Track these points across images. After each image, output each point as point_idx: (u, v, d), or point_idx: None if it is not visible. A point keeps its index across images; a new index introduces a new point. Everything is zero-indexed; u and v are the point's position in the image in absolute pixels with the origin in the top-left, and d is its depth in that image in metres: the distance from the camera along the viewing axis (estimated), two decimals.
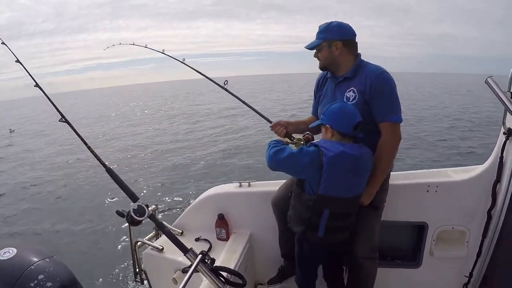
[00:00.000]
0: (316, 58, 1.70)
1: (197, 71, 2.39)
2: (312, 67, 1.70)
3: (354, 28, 1.63)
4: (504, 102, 1.54)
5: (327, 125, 1.51)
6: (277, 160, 1.47)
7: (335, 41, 1.60)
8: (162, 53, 2.53)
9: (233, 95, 2.19)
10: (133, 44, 2.75)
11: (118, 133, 14.98)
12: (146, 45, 2.62)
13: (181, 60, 2.38)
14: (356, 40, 1.66)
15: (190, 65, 2.37)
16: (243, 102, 2.15)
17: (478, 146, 9.26)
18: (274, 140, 1.59)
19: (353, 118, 1.48)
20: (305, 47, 1.69)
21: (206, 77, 2.34)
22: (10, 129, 22.69)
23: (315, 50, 1.68)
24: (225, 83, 2.14)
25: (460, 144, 9.74)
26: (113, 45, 2.79)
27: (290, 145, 1.63)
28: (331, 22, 1.63)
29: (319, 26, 1.65)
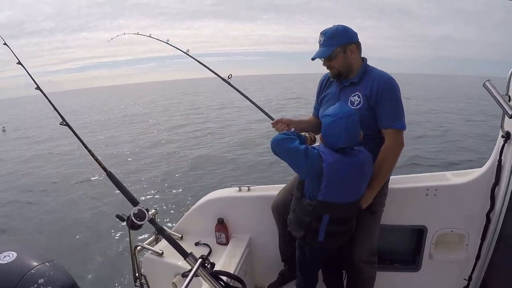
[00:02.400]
0: (326, 67, 1.65)
1: (200, 62, 2.37)
2: (312, 68, 1.70)
3: (355, 30, 1.60)
4: (502, 106, 1.55)
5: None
6: (282, 147, 1.45)
7: (350, 44, 1.58)
8: (167, 43, 2.50)
9: (236, 89, 2.17)
10: (138, 34, 2.69)
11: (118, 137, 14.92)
12: (150, 34, 2.64)
13: (185, 51, 2.38)
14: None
15: (194, 57, 2.36)
16: (246, 97, 2.14)
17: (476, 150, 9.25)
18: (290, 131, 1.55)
19: (337, 140, 1.41)
20: (313, 58, 1.63)
21: (210, 69, 2.31)
22: (2, 127, 21.01)
23: (322, 60, 1.64)
24: (229, 77, 2.13)
25: (459, 147, 9.71)
26: (117, 35, 2.78)
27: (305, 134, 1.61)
28: (336, 27, 1.59)
29: (325, 34, 1.59)
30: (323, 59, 1.63)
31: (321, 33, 1.61)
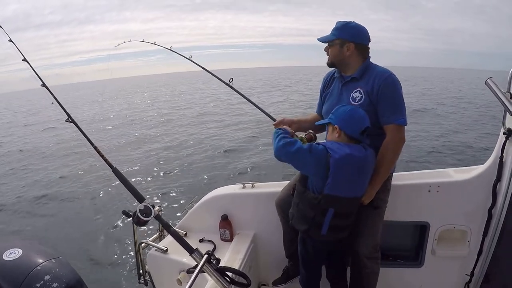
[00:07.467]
0: (326, 53, 1.71)
1: (203, 67, 2.44)
2: (320, 61, 1.72)
3: (363, 22, 1.64)
4: (504, 103, 1.56)
5: (335, 125, 1.52)
6: (285, 153, 1.46)
7: (349, 42, 1.62)
8: (170, 49, 2.60)
9: (238, 92, 2.21)
10: (143, 41, 2.84)
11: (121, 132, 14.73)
12: (154, 42, 2.76)
13: (188, 57, 2.46)
14: (369, 46, 1.67)
15: (197, 62, 2.44)
16: (248, 100, 2.17)
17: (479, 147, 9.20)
18: (281, 130, 1.57)
19: (362, 122, 1.49)
20: (317, 39, 1.70)
21: (212, 74, 2.38)
22: None
23: (326, 44, 1.69)
24: (231, 80, 2.17)
25: (462, 143, 9.66)
26: (124, 41, 2.89)
27: (298, 138, 1.61)
28: (349, 22, 1.64)
29: (337, 22, 1.66)
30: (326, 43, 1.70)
31: (336, 21, 1.69)
